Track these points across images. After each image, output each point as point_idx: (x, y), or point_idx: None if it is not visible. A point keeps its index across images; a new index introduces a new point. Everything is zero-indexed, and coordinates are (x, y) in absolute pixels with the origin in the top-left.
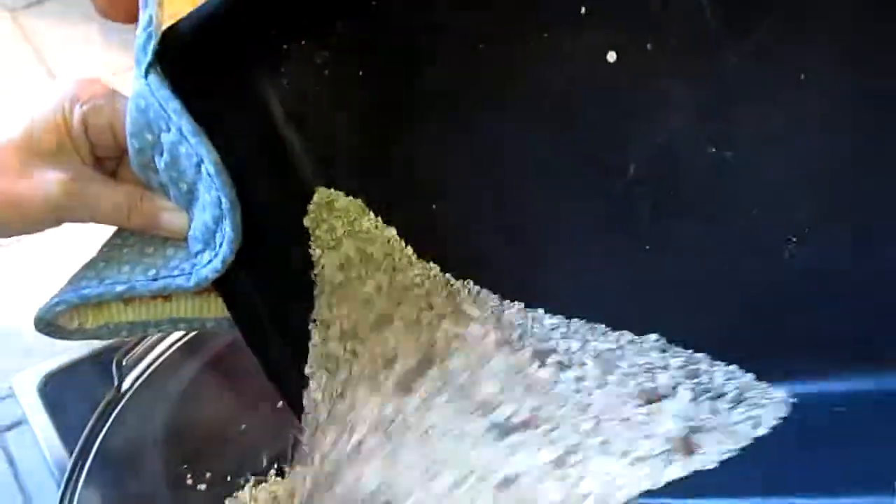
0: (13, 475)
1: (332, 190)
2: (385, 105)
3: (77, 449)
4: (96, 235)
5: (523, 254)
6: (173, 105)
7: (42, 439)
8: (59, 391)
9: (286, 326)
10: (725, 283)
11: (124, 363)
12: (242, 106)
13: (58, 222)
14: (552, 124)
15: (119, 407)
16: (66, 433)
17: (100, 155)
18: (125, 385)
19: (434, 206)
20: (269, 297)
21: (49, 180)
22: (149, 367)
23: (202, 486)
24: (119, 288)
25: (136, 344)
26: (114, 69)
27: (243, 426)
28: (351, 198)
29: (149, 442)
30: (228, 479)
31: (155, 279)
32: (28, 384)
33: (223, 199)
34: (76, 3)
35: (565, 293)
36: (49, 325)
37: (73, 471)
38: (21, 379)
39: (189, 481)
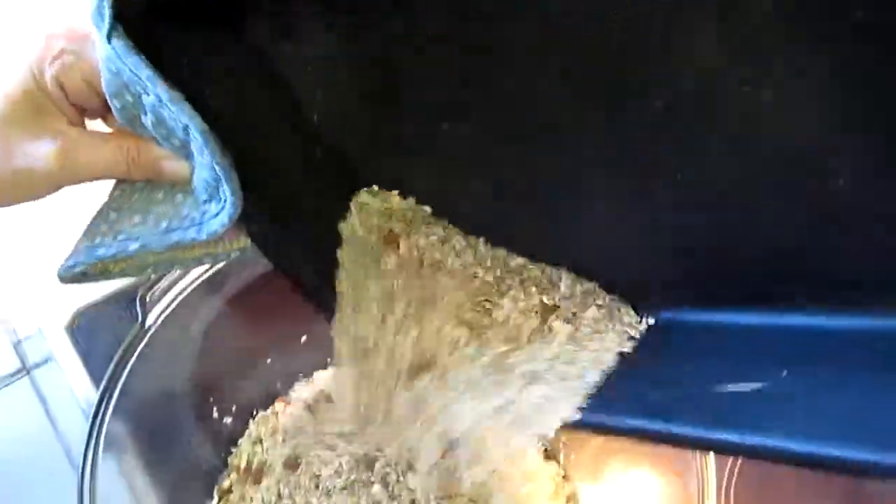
0: (44, 411)
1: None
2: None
3: (103, 383)
4: None
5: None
6: (146, 73)
7: (70, 376)
8: (85, 329)
9: (312, 248)
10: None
11: (148, 299)
12: (222, 52)
13: (59, 188)
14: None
15: (144, 342)
16: (94, 369)
17: (87, 108)
18: (149, 321)
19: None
20: (292, 232)
21: (38, 155)
22: (172, 302)
23: (228, 419)
24: (132, 247)
25: (159, 280)
26: None
27: (268, 360)
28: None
29: (175, 375)
30: (254, 412)
31: (167, 231)
32: (56, 323)
33: (216, 168)
34: None
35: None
36: (72, 280)
37: (100, 404)
38: (49, 318)
39: (215, 414)
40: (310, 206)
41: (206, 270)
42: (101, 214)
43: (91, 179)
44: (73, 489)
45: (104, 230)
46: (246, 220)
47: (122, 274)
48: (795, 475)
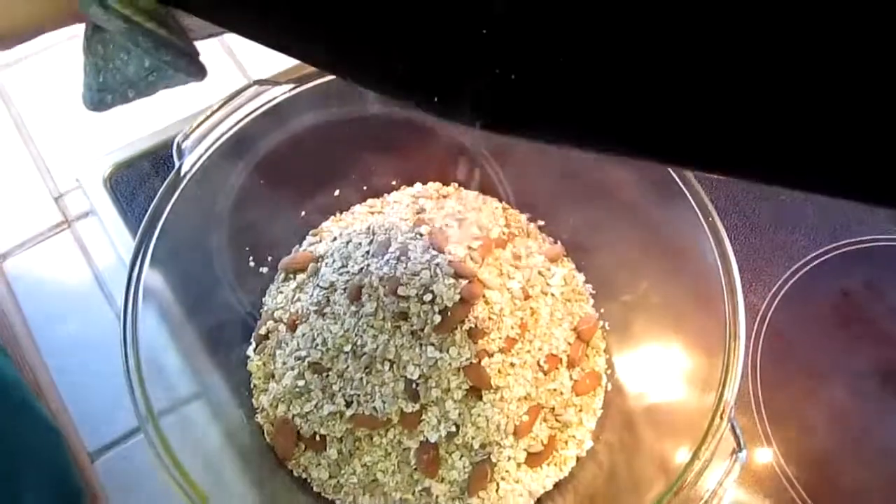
0: (86, 262)
1: None
2: None
3: (141, 228)
4: None
5: None
6: None
7: (110, 227)
8: (124, 181)
9: None
10: None
11: (184, 146)
12: None
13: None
14: None
15: (181, 189)
16: (132, 221)
17: None
18: (185, 167)
19: None
20: None
21: None
22: (207, 150)
23: (264, 269)
24: None
25: (197, 127)
26: None
27: (303, 213)
28: None
29: (212, 225)
30: None
31: None
32: (94, 176)
33: None
34: None
35: None
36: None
37: (138, 250)
38: (87, 171)
39: (251, 263)
40: None
41: (239, 122)
42: None
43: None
44: (117, 337)
45: None
46: None
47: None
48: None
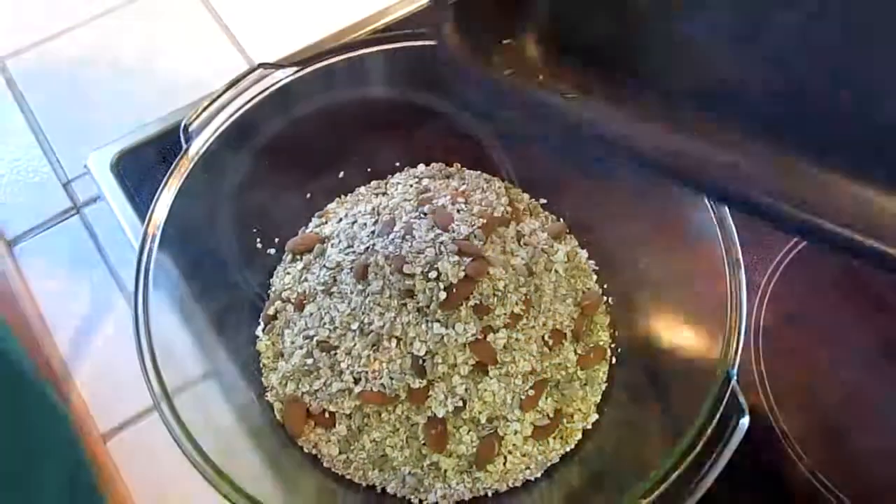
0: (96, 247)
1: None
2: None
3: (150, 211)
4: None
5: None
6: None
7: (118, 212)
8: (131, 167)
9: None
10: None
11: (191, 129)
12: None
13: None
14: None
15: (188, 172)
16: (141, 206)
17: None
18: (192, 151)
19: None
20: None
21: None
22: (213, 134)
23: (271, 251)
24: None
25: (203, 111)
26: None
27: (308, 195)
28: None
29: (219, 208)
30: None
31: None
32: (102, 162)
33: None
34: None
35: None
36: None
37: (146, 233)
38: (95, 157)
39: (259, 245)
40: None
41: (245, 105)
42: None
43: None
44: (127, 319)
45: None
46: None
47: None
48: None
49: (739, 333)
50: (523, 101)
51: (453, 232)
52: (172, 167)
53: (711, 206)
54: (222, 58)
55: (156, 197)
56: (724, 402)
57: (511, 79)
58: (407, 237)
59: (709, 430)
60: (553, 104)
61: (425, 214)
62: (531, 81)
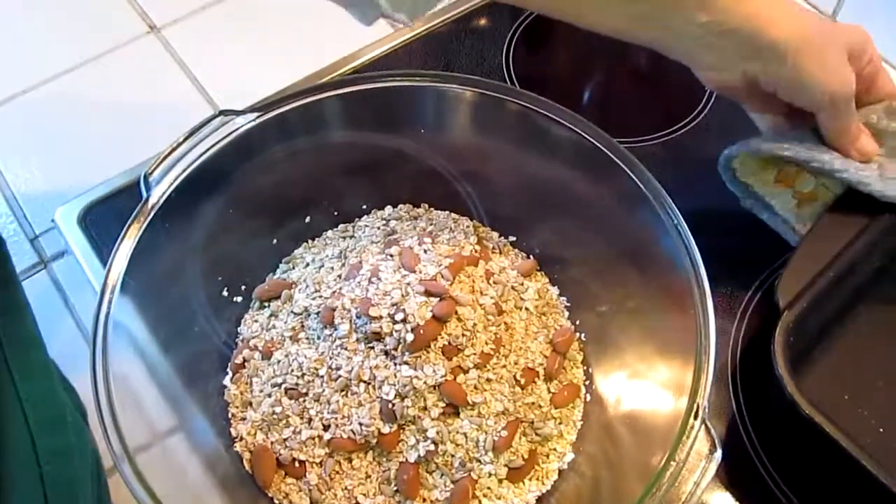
0: (63, 301)
1: None
2: None
3: (109, 261)
4: None
5: None
6: None
7: (85, 265)
8: (98, 220)
9: None
10: None
11: (151, 178)
12: None
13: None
14: None
15: (149, 220)
16: (108, 259)
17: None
18: (152, 199)
19: None
20: None
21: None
22: (176, 180)
23: (238, 298)
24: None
25: (163, 159)
26: None
27: (275, 240)
28: None
29: (184, 256)
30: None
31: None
32: (69, 216)
33: None
34: None
35: None
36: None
37: (105, 283)
38: (63, 211)
39: (225, 293)
40: None
41: (208, 151)
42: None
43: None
44: None
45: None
46: None
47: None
48: None
49: (709, 362)
50: None
51: (420, 272)
52: (132, 217)
53: (677, 238)
54: (190, 109)
55: (115, 247)
56: (695, 434)
57: None
58: (373, 280)
59: (679, 462)
60: None
61: (391, 256)
62: None
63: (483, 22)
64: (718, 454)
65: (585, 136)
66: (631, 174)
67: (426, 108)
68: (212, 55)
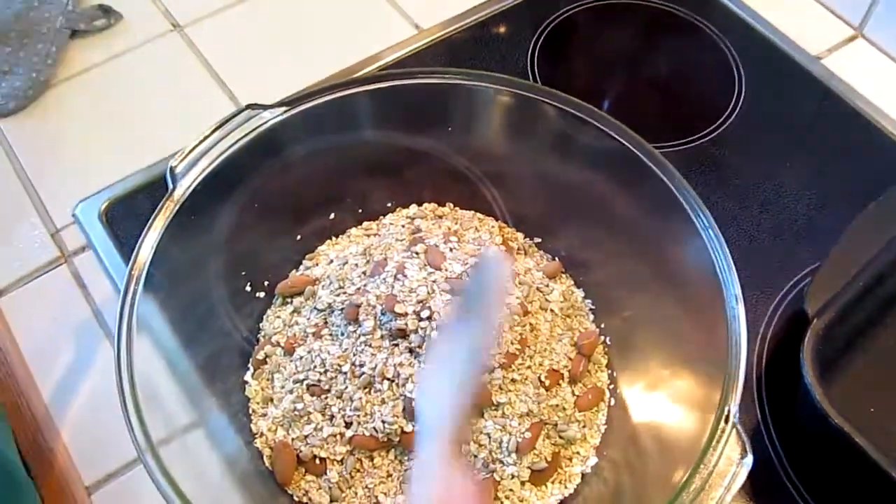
0: (84, 296)
1: None
2: None
3: (134, 253)
4: None
5: None
6: None
7: (106, 260)
8: (120, 215)
9: None
10: None
11: (177, 171)
12: None
13: None
14: None
15: (174, 213)
16: (129, 254)
17: None
18: (178, 192)
19: None
20: None
21: None
22: (201, 174)
23: (261, 294)
24: None
25: (190, 152)
26: None
27: (298, 236)
28: None
29: (207, 251)
30: None
31: None
32: (90, 211)
33: None
34: None
35: None
36: None
37: (130, 275)
38: (84, 206)
39: (248, 288)
40: None
41: (234, 145)
42: None
43: None
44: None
45: None
46: None
47: None
48: None
49: (739, 372)
50: None
51: (445, 271)
52: (158, 209)
53: (709, 243)
54: (212, 104)
55: (140, 239)
56: (725, 443)
57: None
58: (398, 277)
59: (711, 467)
60: None
61: (417, 254)
62: None
63: (505, 28)
64: (749, 459)
65: (619, 139)
66: (665, 179)
67: (456, 106)
68: (235, 54)
